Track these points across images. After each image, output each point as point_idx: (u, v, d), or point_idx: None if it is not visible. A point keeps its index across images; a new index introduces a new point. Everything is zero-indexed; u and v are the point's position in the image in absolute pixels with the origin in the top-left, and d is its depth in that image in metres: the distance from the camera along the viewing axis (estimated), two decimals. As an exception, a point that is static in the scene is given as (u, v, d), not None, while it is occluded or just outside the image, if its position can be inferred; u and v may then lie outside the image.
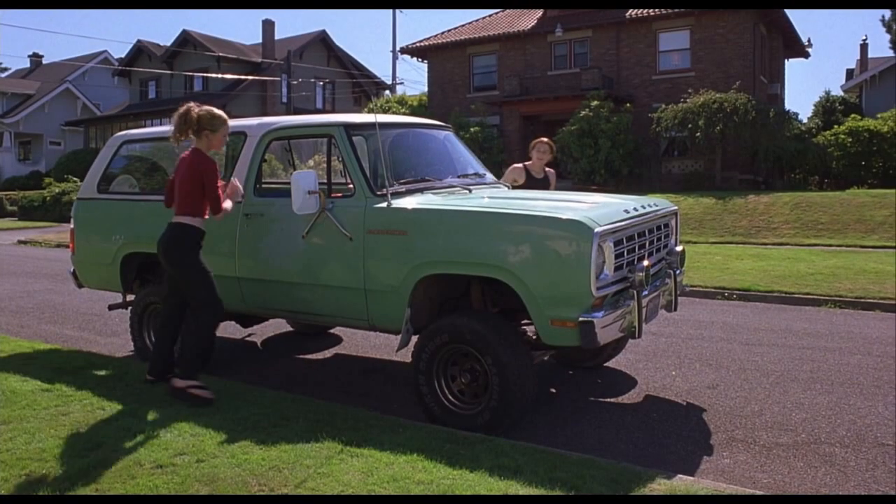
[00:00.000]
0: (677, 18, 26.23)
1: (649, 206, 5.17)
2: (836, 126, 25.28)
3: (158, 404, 4.68)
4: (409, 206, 4.72)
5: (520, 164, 7.11)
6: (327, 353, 6.80)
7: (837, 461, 4.20)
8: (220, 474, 3.49)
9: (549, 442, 4.37)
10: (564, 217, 4.22)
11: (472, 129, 26.70)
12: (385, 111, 29.10)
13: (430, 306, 4.84)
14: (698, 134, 22.96)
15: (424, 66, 32.30)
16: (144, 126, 30.85)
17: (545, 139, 7.20)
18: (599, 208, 4.58)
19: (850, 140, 23.14)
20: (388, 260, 4.69)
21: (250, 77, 38.89)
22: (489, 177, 5.95)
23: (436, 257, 4.49)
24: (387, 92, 43.93)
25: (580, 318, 4.14)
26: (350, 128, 5.10)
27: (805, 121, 30.71)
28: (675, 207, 5.70)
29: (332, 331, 7.50)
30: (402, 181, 5.04)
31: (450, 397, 4.60)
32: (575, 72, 27.80)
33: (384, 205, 4.75)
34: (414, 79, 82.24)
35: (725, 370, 6.11)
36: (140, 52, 42.77)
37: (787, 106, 41.19)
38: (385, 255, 4.70)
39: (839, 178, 23.31)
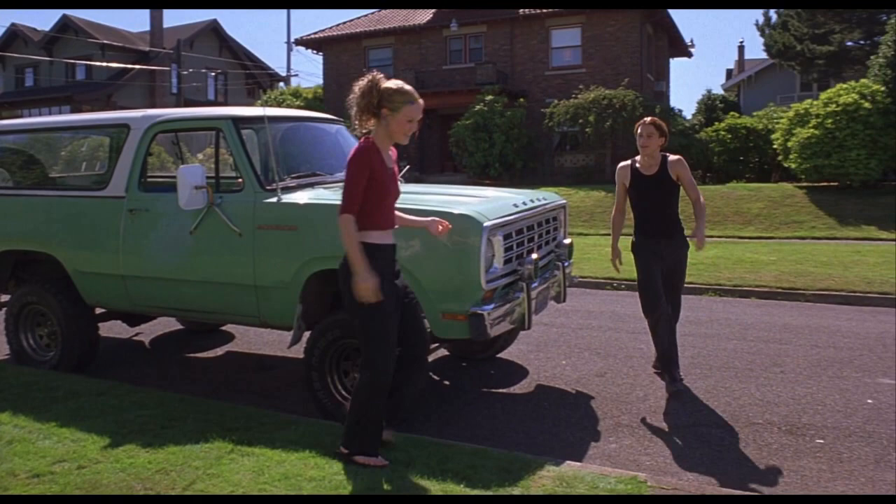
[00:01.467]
0: (569, 16, 26.87)
1: (538, 200, 5.30)
2: (716, 123, 26.47)
3: (37, 409, 4.47)
4: (300, 201, 4.67)
5: (626, 162, 5.44)
6: (219, 351, 6.65)
7: (714, 441, 4.43)
8: (103, 480, 3.37)
9: (443, 434, 4.43)
10: (455, 212, 4.28)
11: (368, 123, 26.52)
12: (279, 104, 28.60)
13: (321, 302, 4.81)
14: (589, 129, 23.61)
15: (320, 58, 31.93)
16: (21, 115, 29.22)
17: (648, 119, 5.39)
18: (489, 203, 4.67)
19: (730, 136, 24.28)
20: (279, 256, 4.63)
21: (137, 66, 37.42)
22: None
23: (327, 252, 4.46)
24: (281, 84, 43.16)
25: (470, 311, 4.21)
26: (239, 121, 5.00)
27: (689, 117, 32.04)
28: (564, 201, 5.86)
29: (223, 328, 7.34)
30: (292, 176, 4.98)
31: (343, 392, 4.59)
32: (470, 66, 28.06)
33: (274, 200, 4.68)
34: (309, 71, 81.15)
35: (613, 358, 6.33)
36: (14, 36, 40.38)
37: (672, 103, 42.82)
38: (275, 251, 4.64)
39: (720, 171, 24.43)
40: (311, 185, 4.99)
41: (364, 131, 3.57)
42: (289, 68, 47.44)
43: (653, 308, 5.17)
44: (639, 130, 5.30)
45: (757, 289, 9.49)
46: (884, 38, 20.30)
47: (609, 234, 6.32)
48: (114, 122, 5.34)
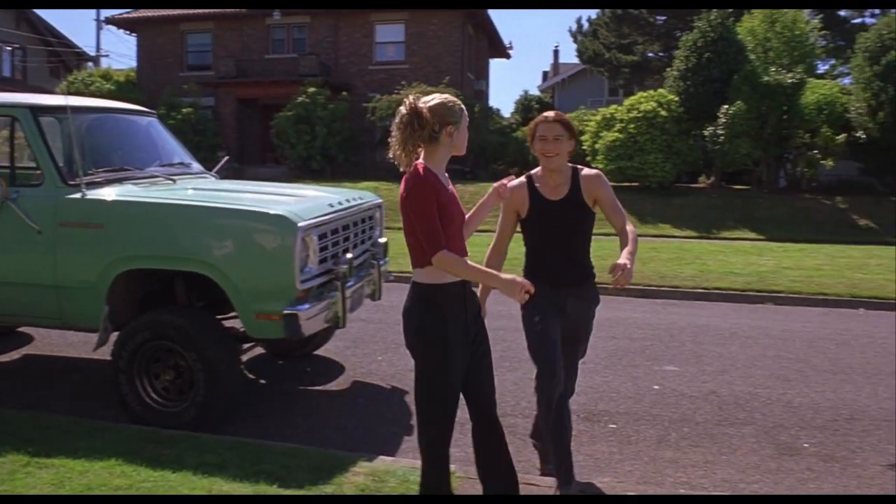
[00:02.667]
0: (393, 12, 27.10)
1: (354, 199, 5.39)
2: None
3: None
4: (107, 198, 4.49)
5: (519, 181, 3.77)
6: (15, 355, 6.22)
7: (519, 431, 4.72)
8: None
9: (258, 434, 4.42)
10: (270, 212, 4.28)
11: (184, 110, 25.50)
12: (87, 86, 26.77)
13: (130, 302, 4.65)
14: (411, 125, 23.97)
15: (134, 39, 30.22)
16: None
17: (551, 113, 3.72)
18: (304, 203, 4.70)
19: (544, 136, 25.54)
20: (83, 255, 4.43)
21: (-83, 36, 33.72)
22: (196, 166, 5.81)
23: (136, 252, 4.33)
24: (90, 64, 40.37)
25: (285, 312, 4.24)
26: (37, 110, 4.71)
27: (507, 116, 33.34)
28: (380, 200, 5.99)
29: (21, 329, 6.86)
30: (99, 170, 4.77)
31: (153, 395, 4.47)
32: (293, 57, 27.61)
33: (78, 196, 4.46)
34: (122, 52, 76.22)
35: (428, 353, 6.54)
36: None
37: (491, 102, 44.44)
38: (79, 250, 4.43)
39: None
40: (120, 181, 4.80)
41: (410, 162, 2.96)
42: (98, 48, 44.49)
43: (547, 384, 3.63)
44: (538, 131, 3.61)
45: (563, 283, 10.12)
46: (677, 52, 22.12)
47: None
48: None
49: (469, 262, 3.00)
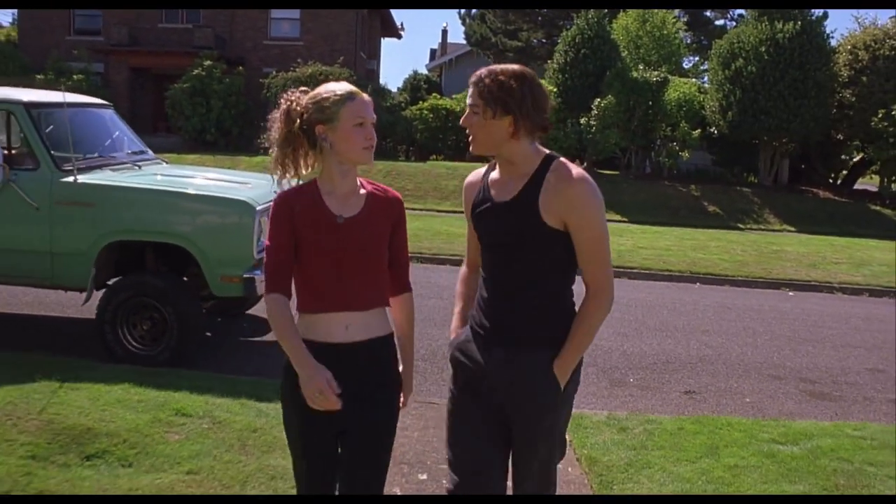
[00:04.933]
0: (289, -11, 27.73)
1: (292, 185, 6.58)
2: (420, 102, 29.05)
3: None
4: (97, 182, 5.53)
5: (477, 172, 2.66)
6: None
7: (428, 373, 6.07)
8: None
9: (216, 371, 5.60)
10: (235, 198, 5.47)
11: (75, 77, 25.30)
12: (-33, 46, 26.06)
13: (109, 267, 5.72)
14: (306, 102, 24.86)
15: (13, -2, 29.42)
16: None
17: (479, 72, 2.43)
18: (255, 190, 5.89)
19: (432, 116, 26.89)
20: (77, 228, 5.46)
21: None
22: (150, 153, 6.84)
23: (126, 226, 5.43)
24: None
25: (244, 275, 5.44)
26: (30, 105, 5.67)
27: (395, 94, 34.51)
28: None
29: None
30: (81, 157, 5.78)
31: (132, 342, 5.58)
32: (188, 27, 27.79)
33: (71, 179, 5.48)
34: None
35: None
36: None
37: (382, 80, 45.36)
38: (73, 224, 5.46)
39: (422, 148, 27.01)
40: (100, 167, 5.84)
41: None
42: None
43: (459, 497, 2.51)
44: (469, 93, 2.43)
45: (452, 257, 11.57)
46: (557, 47, 23.94)
47: None
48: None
49: (290, 321, 2.32)
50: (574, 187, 2.33)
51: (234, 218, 5.42)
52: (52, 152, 5.57)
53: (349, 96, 2.35)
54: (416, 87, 39.07)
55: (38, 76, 25.23)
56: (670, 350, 7.12)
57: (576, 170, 2.37)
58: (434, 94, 29.94)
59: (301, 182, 2.44)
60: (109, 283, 5.79)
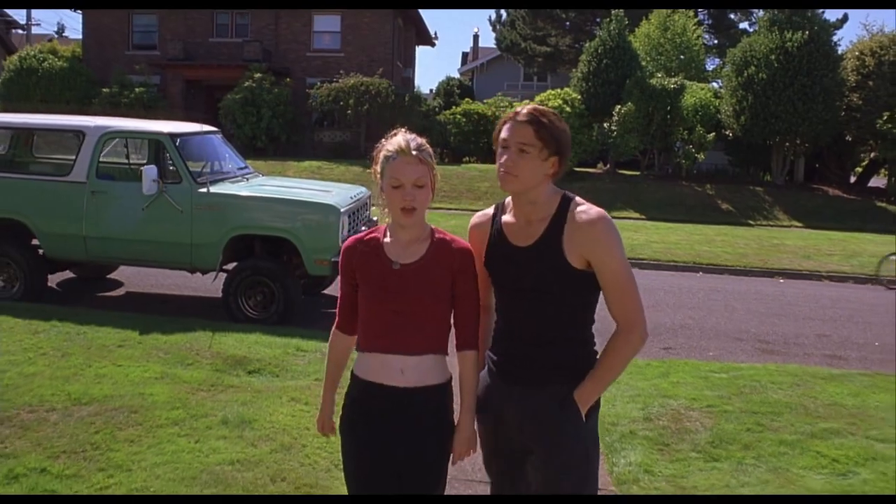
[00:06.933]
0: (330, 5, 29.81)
1: (358, 192, 8.52)
2: (454, 107, 30.94)
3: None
4: (224, 192, 7.52)
5: (485, 213, 2.65)
6: (121, 292, 9.14)
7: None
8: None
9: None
10: (324, 202, 7.43)
11: (137, 90, 27.62)
12: (40, 63, 28.52)
13: (231, 254, 7.71)
14: (349, 111, 26.91)
15: (76, 14, 31.85)
16: None
17: (524, 109, 2.47)
18: (338, 196, 7.83)
19: (465, 120, 28.77)
20: (210, 226, 7.44)
21: None
22: (250, 168, 8.83)
23: (245, 224, 7.41)
24: (18, 31, 41.38)
25: (331, 259, 7.36)
26: (174, 136, 7.67)
27: (430, 100, 36.45)
28: (369, 192, 9.11)
29: (109, 276, 9.71)
30: (210, 173, 7.78)
31: (248, 308, 7.56)
32: (237, 42, 29.99)
33: (205, 191, 7.47)
34: (67, 24, 75.13)
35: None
36: None
37: (417, 85, 47.36)
38: (208, 223, 7.44)
39: (456, 151, 28.90)
40: (223, 180, 7.84)
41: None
42: (29, 17, 45.02)
43: None
44: (501, 132, 2.47)
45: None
46: (582, 56, 25.69)
47: None
48: (68, 126, 7.70)
49: (336, 357, 2.69)
50: (596, 225, 2.36)
51: (324, 217, 7.37)
52: (191, 170, 7.57)
53: (392, 156, 2.42)
54: (450, 91, 41.05)
55: (105, 89, 27.64)
56: (657, 320, 8.92)
57: (594, 208, 2.41)
58: (466, 99, 31.83)
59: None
60: (227, 266, 7.78)
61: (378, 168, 2.49)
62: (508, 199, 2.55)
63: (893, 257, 13.03)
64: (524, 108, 2.43)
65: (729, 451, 4.56)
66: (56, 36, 48.82)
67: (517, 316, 2.47)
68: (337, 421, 2.64)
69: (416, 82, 39.90)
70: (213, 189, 7.51)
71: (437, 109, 32.70)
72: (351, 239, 2.59)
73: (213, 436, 4.33)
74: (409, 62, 35.21)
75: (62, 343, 5.98)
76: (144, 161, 8.28)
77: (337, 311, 2.64)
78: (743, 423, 5.01)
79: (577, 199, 2.45)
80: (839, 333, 8.87)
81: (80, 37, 32.73)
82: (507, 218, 2.51)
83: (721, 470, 4.30)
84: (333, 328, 2.65)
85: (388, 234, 2.53)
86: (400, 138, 2.46)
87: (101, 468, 3.87)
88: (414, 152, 2.42)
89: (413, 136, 2.49)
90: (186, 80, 29.93)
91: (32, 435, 4.20)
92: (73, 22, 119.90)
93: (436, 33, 38.58)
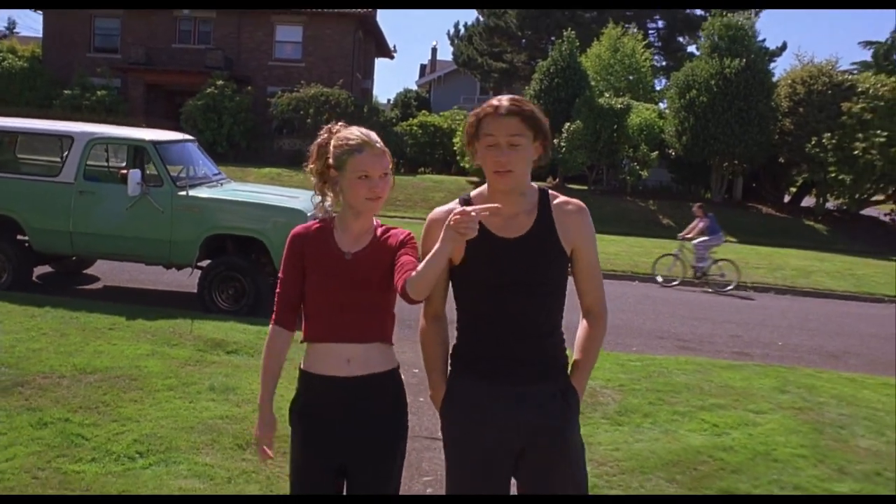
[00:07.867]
0: (293, 15, 30.56)
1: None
2: (411, 118, 31.91)
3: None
4: (201, 195, 8.32)
5: (448, 207, 2.48)
6: (99, 285, 9.84)
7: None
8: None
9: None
10: (292, 207, 8.28)
11: (99, 93, 27.99)
12: (0, 62, 28.74)
13: (207, 251, 8.50)
14: (309, 119, 27.68)
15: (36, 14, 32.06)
16: None
17: (503, 99, 2.42)
18: (304, 202, 8.66)
19: (421, 131, 29.75)
20: (189, 226, 8.22)
21: None
22: (223, 174, 9.63)
23: (221, 224, 8.21)
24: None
25: (298, 258, 8.21)
26: (156, 143, 8.45)
27: (388, 111, 37.34)
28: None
29: (85, 271, 10.36)
30: (187, 178, 8.57)
31: (221, 301, 8.36)
32: (199, 48, 30.56)
33: (184, 193, 8.26)
34: (19, 21, 73.93)
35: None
36: None
37: (375, 96, 48.20)
38: (187, 223, 8.23)
39: (411, 162, 29.83)
40: (200, 185, 8.63)
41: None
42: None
43: None
44: (482, 128, 2.39)
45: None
46: (535, 74, 26.89)
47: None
48: (57, 132, 8.43)
49: (274, 356, 2.57)
50: (583, 213, 2.45)
51: (291, 219, 8.16)
52: (171, 174, 8.36)
53: (357, 148, 2.42)
54: (407, 103, 42.02)
55: (66, 91, 27.96)
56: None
57: (572, 198, 2.51)
58: (423, 111, 32.82)
59: (331, 212, 2.55)
60: (201, 263, 8.55)
61: (332, 161, 2.47)
62: (475, 193, 2.52)
63: (663, 258, 14.80)
64: (502, 101, 2.37)
65: (631, 418, 5.53)
66: (7, 32, 48.60)
67: (498, 313, 2.40)
68: (283, 425, 2.65)
69: (375, 93, 40.85)
70: (191, 192, 8.30)
71: (394, 120, 33.63)
72: (299, 227, 2.62)
73: (204, 398, 5.15)
74: (369, 73, 36.09)
75: (59, 325, 6.71)
76: (123, 165, 9.05)
77: (275, 304, 2.57)
78: (646, 398, 5.99)
79: (550, 189, 2.53)
80: (749, 335, 9.99)
81: (35, 35, 32.91)
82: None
83: (622, 431, 5.26)
84: (271, 325, 2.57)
85: (336, 224, 2.55)
86: (358, 132, 2.47)
87: (114, 420, 4.66)
88: (377, 144, 2.46)
89: (365, 129, 2.52)
90: (148, 85, 30.37)
91: (51, 395, 4.96)
92: (27, 20, 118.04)
93: (395, 46, 39.57)
